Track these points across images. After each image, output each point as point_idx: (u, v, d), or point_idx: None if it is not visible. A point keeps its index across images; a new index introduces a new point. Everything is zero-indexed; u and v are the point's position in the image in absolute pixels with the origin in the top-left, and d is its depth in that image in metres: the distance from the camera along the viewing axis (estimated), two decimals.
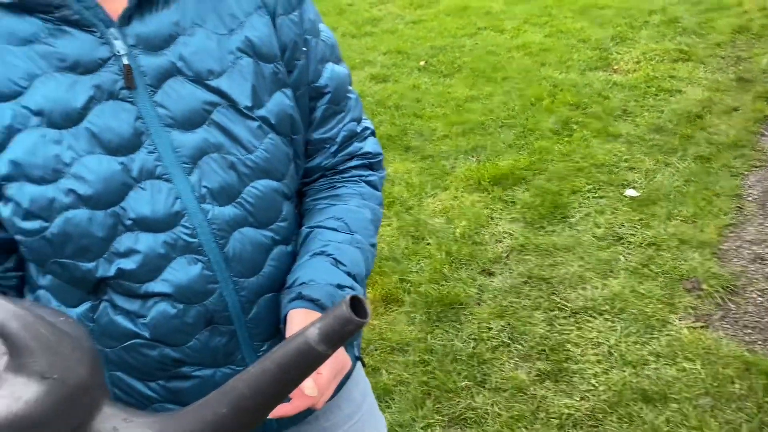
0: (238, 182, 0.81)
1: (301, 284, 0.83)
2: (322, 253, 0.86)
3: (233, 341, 0.85)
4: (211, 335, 0.84)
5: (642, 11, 5.17)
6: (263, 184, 0.83)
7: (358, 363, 1.06)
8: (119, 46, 0.75)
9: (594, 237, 2.78)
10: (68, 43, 0.74)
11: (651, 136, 3.50)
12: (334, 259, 0.86)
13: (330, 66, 0.91)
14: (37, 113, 0.74)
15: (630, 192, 3.06)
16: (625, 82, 4.11)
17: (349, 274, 0.86)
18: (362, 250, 0.90)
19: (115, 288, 0.80)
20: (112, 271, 0.78)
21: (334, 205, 0.93)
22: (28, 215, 0.76)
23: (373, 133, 1.01)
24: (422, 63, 4.84)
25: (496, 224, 2.95)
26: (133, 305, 0.81)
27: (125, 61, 0.75)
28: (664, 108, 3.75)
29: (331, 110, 0.92)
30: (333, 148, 0.94)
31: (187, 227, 0.79)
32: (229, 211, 0.81)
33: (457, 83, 4.42)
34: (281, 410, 0.73)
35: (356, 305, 0.47)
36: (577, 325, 2.35)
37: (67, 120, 0.74)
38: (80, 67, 0.75)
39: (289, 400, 0.73)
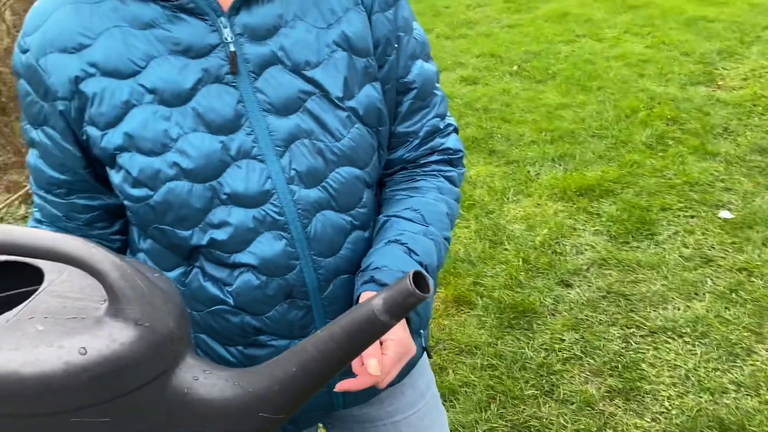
0: (324, 167, 0.85)
1: (374, 269, 0.86)
2: (396, 241, 0.89)
3: (309, 316, 0.90)
4: (289, 308, 0.89)
5: (755, 26, 4.91)
6: (347, 171, 0.87)
7: (424, 354, 1.09)
8: (227, 34, 0.81)
9: (681, 257, 2.68)
10: (183, 29, 0.81)
11: (752, 157, 3.33)
12: (407, 247, 0.89)
13: (419, 63, 0.94)
14: (151, 91, 0.81)
15: (724, 214, 2.92)
16: (729, 99, 3.92)
17: (420, 263, 0.88)
18: (435, 242, 0.92)
19: (207, 256, 0.87)
20: (205, 240, 0.85)
21: (412, 197, 0.96)
22: (136, 183, 0.83)
23: (456, 131, 1.03)
24: (515, 67, 4.79)
25: (579, 235, 2.89)
26: (221, 273, 0.87)
27: (231, 48, 0.81)
28: None
29: (416, 105, 0.95)
30: (415, 142, 0.97)
31: (275, 205, 0.84)
32: (313, 193, 0.85)
33: (550, 90, 4.36)
34: (346, 384, 0.77)
35: (419, 281, 0.50)
36: (655, 345, 2.27)
37: (177, 99, 0.81)
38: (191, 52, 0.81)
39: (354, 376, 0.77)
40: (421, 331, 1.03)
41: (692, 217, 2.93)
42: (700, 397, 2.05)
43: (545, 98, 4.24)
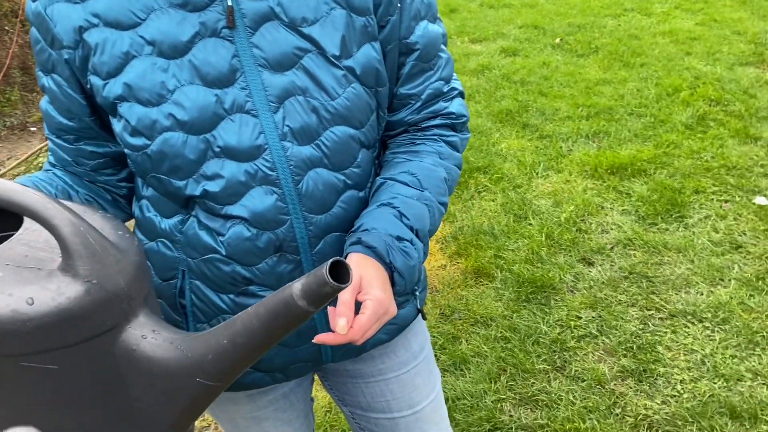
0: (317, 125, 0.86)
1: (363, 230, 0.87)
2: (389, 204, 0.90)
3: (298, 270, 0.92)
4: (278, 261, 0.91)
5: None
6: (341, 130, 0.88)
7: (419, 316, 1.10)
8: None
9: (710, 241, 2.62)
10: None
11: None
12: (399, 211, 0.89)
13: (424, 24, 0.93)
14: (150, 43, 0.82)
15: (760, 200, 2.83)
16: None
17: (411, 228, 0.89)
18: (429, 207, 0.93)
19: (201, 206, 0.89)
20: (198, 191, 0.87)
21: (411, 160, 0.96)
22: (134, 132, 0.85)
23: (461, 95, 1.02)
24: (557, 40, 4.68)
25: (606, 214, 2.84)
26: (214, 223, 0.89)
27: (229, 2, 0.82)
28: None
29: (418, 67, 0.94)
30: (417, 105, 0.97)
31: (267, 160, 0.85)
32: (306, 150, 0.86)
33: (591, 64, 4.25)
34: (322, 337, 0.79)
35: (341, 269, 0.50)
36: (673, 328, 2.24)
37: (174, 51, 0.82)
38: (190, 5, 0.82)
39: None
40: (417, 293, 1.04)
41: (726, 201, 2.86)
42: (714, 383, 2.02)
43: (585, 73, 4.14)
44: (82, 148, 0.96)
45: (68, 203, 0.63)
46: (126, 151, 0.89)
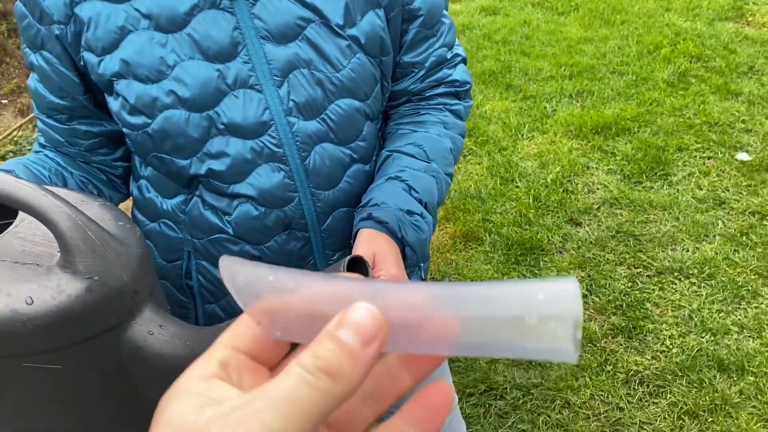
0: (323, 98, 0.84)
1: (373, 205, 0.86)
2: (397, 177, 0.89)
3: (307, 247, 0.91)
4: (287, 239, 0.90)
5: None
6: (347, 102, 0.86)
7: None
8: None
9: (694, 198, 2.65)
10: None
11: None
12: (407, 185, 0.88)
13: None
14: (147, 16, 0.79)
15: (742, 156, 2.87)
16: (758, 37, 3.78)
17: (420, 201, 0.88)
18: (437, 179, 0.92)
19: (206, 185, 0.87)
20: (203, 170, 0.85)
21: (416, 131, 0.94)
22: (133, 110, 0.82)
23: (464, 61, 1.00)
24: None
25: (592, 174, 2.86)
26: (220, 203, 0.87)
27: None
28: None
29: (422, 34, 0.92)
30: (421, 73, 0.95)
31: (273, 137, 0.83)
32: (312, 125, 0.84)
33: (572, 23, 4.22)
34: None
35: (358, 264, 0.48)
36: (660, 285, 2.28)
37: (173, 24, 0.79)
38: None
39: None
40: (421, 264, 1.04)
41: (709, 158, 2.89)
42: (702, 338, 2.07)
43: (567, 32, 4.11)
44: (76, 128, 0.93)
45: (65, 192, 0.60)
46: (125, 130, 0.86)
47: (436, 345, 0.27)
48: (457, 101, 1.00)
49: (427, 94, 0.98)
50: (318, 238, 0.91)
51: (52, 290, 0.50)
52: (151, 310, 0.54)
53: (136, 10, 0.79)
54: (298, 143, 0.84)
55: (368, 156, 0.93)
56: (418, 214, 0.87)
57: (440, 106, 0.98)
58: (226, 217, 0.88)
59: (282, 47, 0.81)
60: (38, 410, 0.52)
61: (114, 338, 0.52)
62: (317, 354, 0.26)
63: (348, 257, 0.48)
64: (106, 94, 0.86)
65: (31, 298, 0.49)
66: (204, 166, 0.85)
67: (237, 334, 0.30)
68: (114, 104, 0.84)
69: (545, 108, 3.34)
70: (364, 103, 0.88)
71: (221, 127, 0.83)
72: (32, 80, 0.91)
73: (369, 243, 0.81)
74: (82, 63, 0.84)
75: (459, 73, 0.99)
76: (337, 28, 0.83)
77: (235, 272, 0.30)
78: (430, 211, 0.90)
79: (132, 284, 0.52)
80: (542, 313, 0.25)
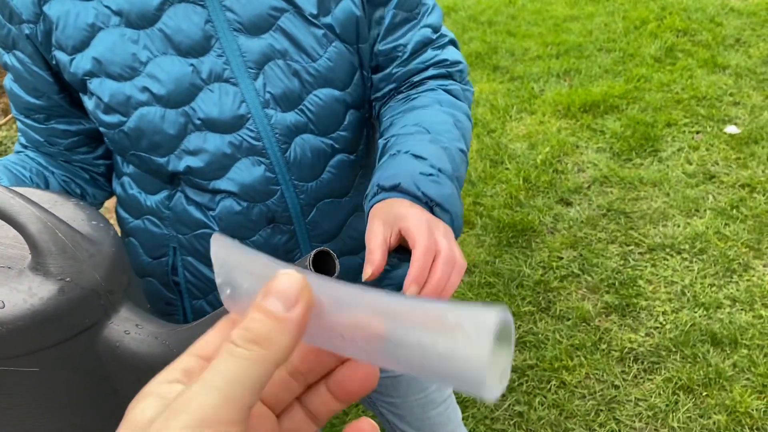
0: (300, 89, 0.83)
1: (378, 184, 0.76)
2: (397, 152, 0.79)
3: (293, 240, 0.90)
4: (272, 233, 0.89)
5: None
6: (325, 92, 0.84)
7: None
8: None
9: (684, 173, 2.65)
10: None
11: (763, 69, 3.23)
12: (411, 154, 0.77)
13: None
14: (117, 13, 0.78)
15: (730, 129, 2.87)
16: (743, 9, 3.77)
17: (432, 166, 0.76)
18: (446, 149, 0.79)
19: (187, 182, 0.86)
20: (181, 167, 0.84)
21: (409, 113, 0.87)
22: (108, 109, 0.81)
23: (452, 43, 0.95)
24: None
25: (581, 153, 2.85)
26: (203, 198, 0.87)
27: None
28: None
29: (400, 16, 0.89)
30: (405, 56, 0.90)
31: (251, 130, 0.82)
32: (291, 117, 0.83)
33: (557, 1, 4.20)
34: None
35: (326, 260, 0.46)
36: (653, 262, 2.29)
37: (143, 20, 0.78)
38: None
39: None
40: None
41: (698, 132, 2.88)
42: (695, 312, 2.08)
43: (552, 10, 4.09)
44: (54, 127, 0.91)
45: (40, 193, 0.59)
46: (101, 129, 0.85)
47: (357, 336, 0.28)
48: (452, 81, 0.91)
49: (416, 80, 0.92)
50: (303, 231, 0.90)
51: (23, 293, 0.49)
52: (128, 309, 0.54)
53: (106, 6, 0.78)
54: (277, 135, 0.83)
55: (352, 146, 0.91)
56: (433, 175, 0.74)
57: (434, 87, 0.90)
58: (210, 212, 0.87)
59: (256, 39, 0.80)
60: (19, 413, 0.52)
61: (90, 339, 0.52)
62: (246, 327, 0.27)
63: (313, 251, 0.46)
64: (81, 93, 0.84)
65: (3, 302, 0.49)
66: (182, 163, 0.83)
67: (206, 341, 0.31)
68: (89, 103, 0.83)
69: (533, 88, 3.33)
70: (343, 92, 0.86)
71: (198, 122, 0.81)
72: (8, 80, 0.90)
73: (384, 215, 0.69)
74: (54, 62, 0.83)
75: (449, 53, 0.92)
76: (311, 17, 0.81)
77: (220, 256, 0.31)
78: (448, 178, 0.76)
79: (105, 284, 0.52)
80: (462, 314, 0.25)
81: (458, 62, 0.93)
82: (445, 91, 0.91)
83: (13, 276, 0.50)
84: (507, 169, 2.80)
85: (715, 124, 2.91)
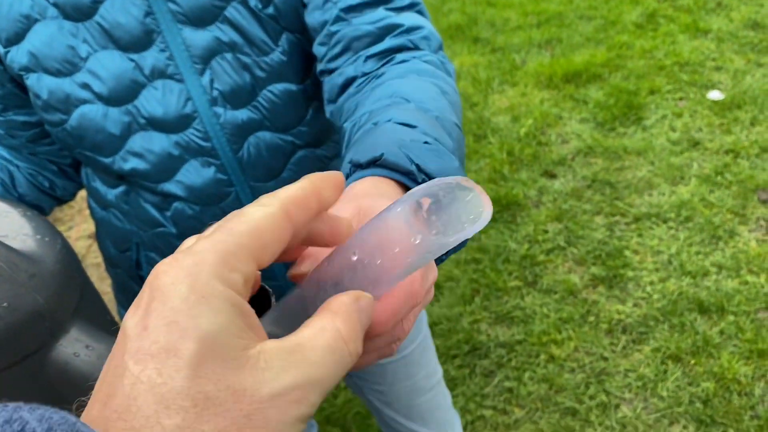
0: (252, 85, 0.77)
1: (350, 161, 0.52)
2: (375, 125, 0.56)
3: None
4: None
5: None
6: (281, 87, 0.79)
7: None
8: None
9: (668, 141, 2.63)
10: None
11: (745, 32, 3.20)
12: (396, 122, 0.55)
13: None
14: (54, 4, 0.73)
15: (713, 94, 2.84)
16: None
17: (426, 134, 0.53)
18: (438, 119, 0.58)
19: (134, 183, 0.82)
20: (127, 168, 0.79)
21: (380, 87, 0.65)
22: (47, 107, 0.77)
23: (416, 9, 0.74)
24: None
25: (564, 124, 2.82)
26: (155, 199, 0.83)
27: None
28: (765, 1, 3.40)
29: None
30: (338, 5, 0.71)
31: (198, 130, 0.77)
32: (242, 114, 0.78)
33: None
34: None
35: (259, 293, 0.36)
36: (639, 231, 2.27)
37: (79, 12, 0.73)
38: None
39: None
40: None
41: (681, 99, 2.86)
42: (682, 281, 2.07)
43: None
44: (13, 119, 0.87)
45: None
46: (46, 126, 0.81)
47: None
48: (426, 53, 0.69)
49: (368, 60, 0.69)
50: None
51: None
52: (78, 329, 0.50)
53: None
54: (227, 135, 0.78)
55: (316, 140, 0.86)
56: (428, 143, 0.51)
57: (406, 59, 0.68)
58: (165, 212, 0.83)
59: (201, 31, 0.74)
60: None
61: (37, 363, 0.48)
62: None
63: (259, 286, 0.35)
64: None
65: None
66: (127, 165, 0.79)
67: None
68: (32, 99, 0.79)
69: (514, 59, 3.28)
70: (301, 85, 0.81)
71: (142, 122, 0.77)
72: None
73: (368, 193, 0.45)
74: None
75: (405, 17, 0.71)
76: (255, 9, 0.75)
77: None
78: (446, 147, 0.53)
79: (49, 305, 0.48)
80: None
81: (418, 27, 0.71)
82: (422, 61, 0.69)
83: None
84: (490, 143, 2.77)
85: (698, 90, 2.88)
